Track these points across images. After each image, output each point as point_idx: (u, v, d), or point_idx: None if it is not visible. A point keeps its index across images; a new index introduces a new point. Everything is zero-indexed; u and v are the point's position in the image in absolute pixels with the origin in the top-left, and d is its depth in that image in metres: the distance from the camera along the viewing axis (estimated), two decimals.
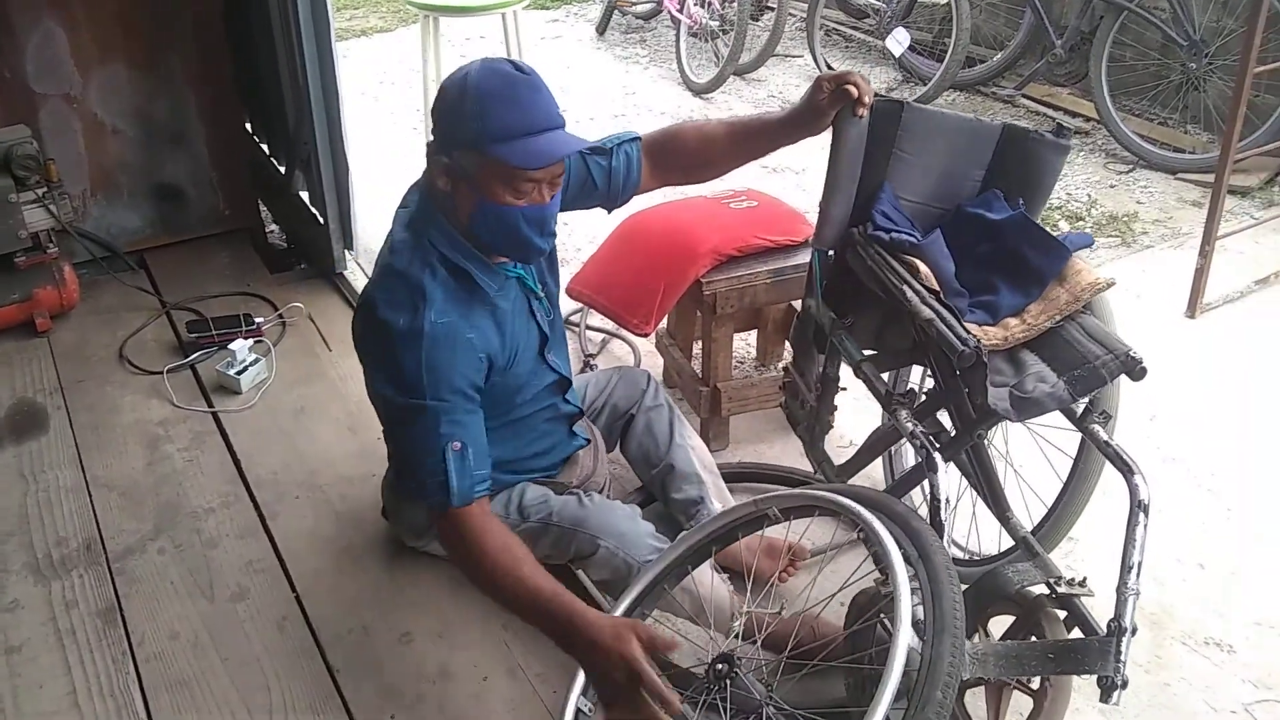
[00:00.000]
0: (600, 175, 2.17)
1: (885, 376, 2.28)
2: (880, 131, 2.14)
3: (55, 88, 3.38)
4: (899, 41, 5.45)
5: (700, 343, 2.94)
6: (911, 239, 2.11)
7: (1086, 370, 1.90)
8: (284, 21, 3.17)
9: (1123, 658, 1.69)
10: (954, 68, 5.15)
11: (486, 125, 1.81)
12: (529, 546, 2.18)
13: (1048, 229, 2.16)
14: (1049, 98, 5.24)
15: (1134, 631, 1.72)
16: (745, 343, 3.34)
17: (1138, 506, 1.83)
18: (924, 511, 1.99)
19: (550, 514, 2.19)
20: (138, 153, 3.59)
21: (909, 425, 2.02)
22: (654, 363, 3.24)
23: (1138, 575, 1.76)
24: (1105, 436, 1.96)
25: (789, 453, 2.91)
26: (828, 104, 2.07)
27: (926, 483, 1.94)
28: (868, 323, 2.29)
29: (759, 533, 2.43)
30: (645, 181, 2.22)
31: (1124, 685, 1.67)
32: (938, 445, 1.95)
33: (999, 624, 1.96)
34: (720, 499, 2.57)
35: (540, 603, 1.84)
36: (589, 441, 2.39)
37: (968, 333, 1.90)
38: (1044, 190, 2.23)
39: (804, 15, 5.83)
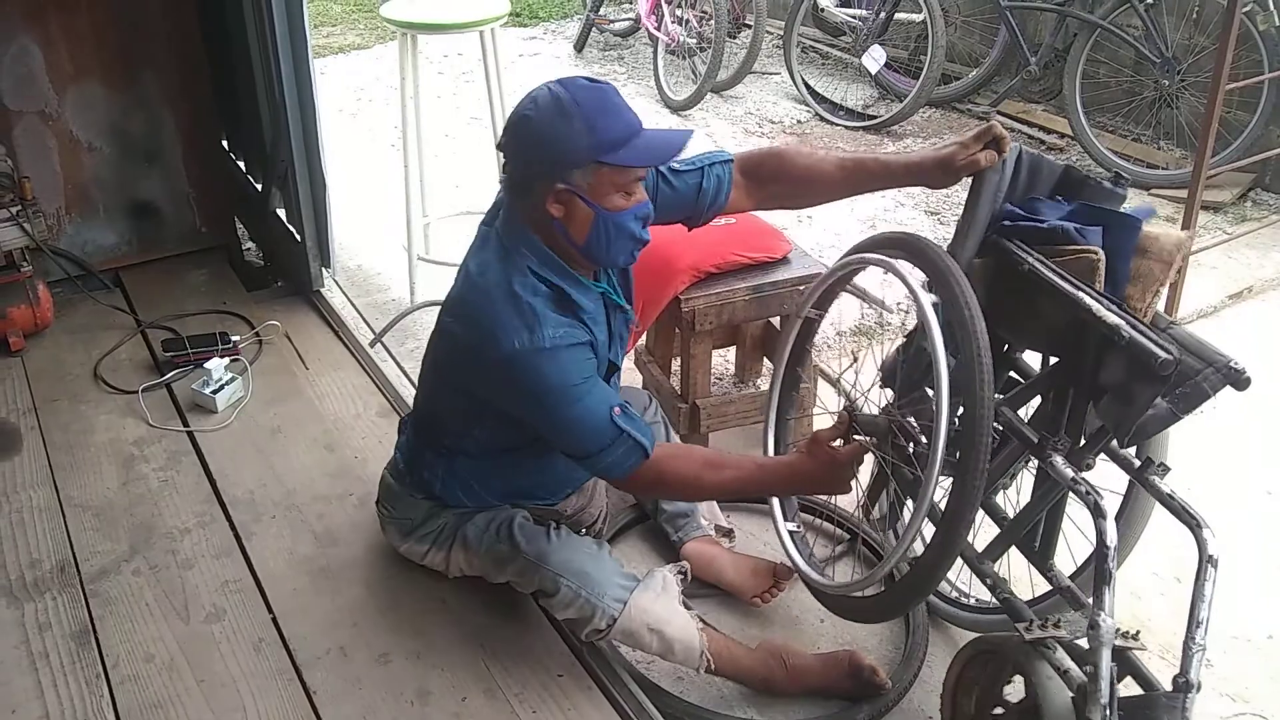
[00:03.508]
0: (689, 193, 2.17)
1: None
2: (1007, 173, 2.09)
3: (30, 105, 3.36)
4: (875, 59, 5.48)
5: (679, 360, 2.95)
6: (1073, 226, 1.99)
7: (1190, 387, 1.82)
8: (261, 38, 3.16)
9: (1189, 714, 1.68)
10: (929, 85, 5.19)
11: (600, 137, 1.87)
12: (497, 571, 2.21)
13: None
14: (1024, 114, 5.29)
15: (1199, 689, 1.70)
16: (724, 359, 3.35)
17: (1208, 561, 1.80)
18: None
19: (520, 542, 2.18)
20: (113, 170, 3.57)
21: (1068, 473, 1.93)
22: (633, 379, 3.23)
23: (1205, 631, 1.74)
24: (1168, 489, 1.93)
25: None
26: (968, 162, 2.03)
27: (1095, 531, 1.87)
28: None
29: (746, 554, 2.48)
30: (738, 202, 2.22)
31: None
32: (1099, 493, 1.88)
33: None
34: (709, 513, 2.60)
35: (754, 483, 2.16)
36: None
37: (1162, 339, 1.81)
38: None
39: (781, 33, 5.86)
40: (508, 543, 2.18)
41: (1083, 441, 1.99)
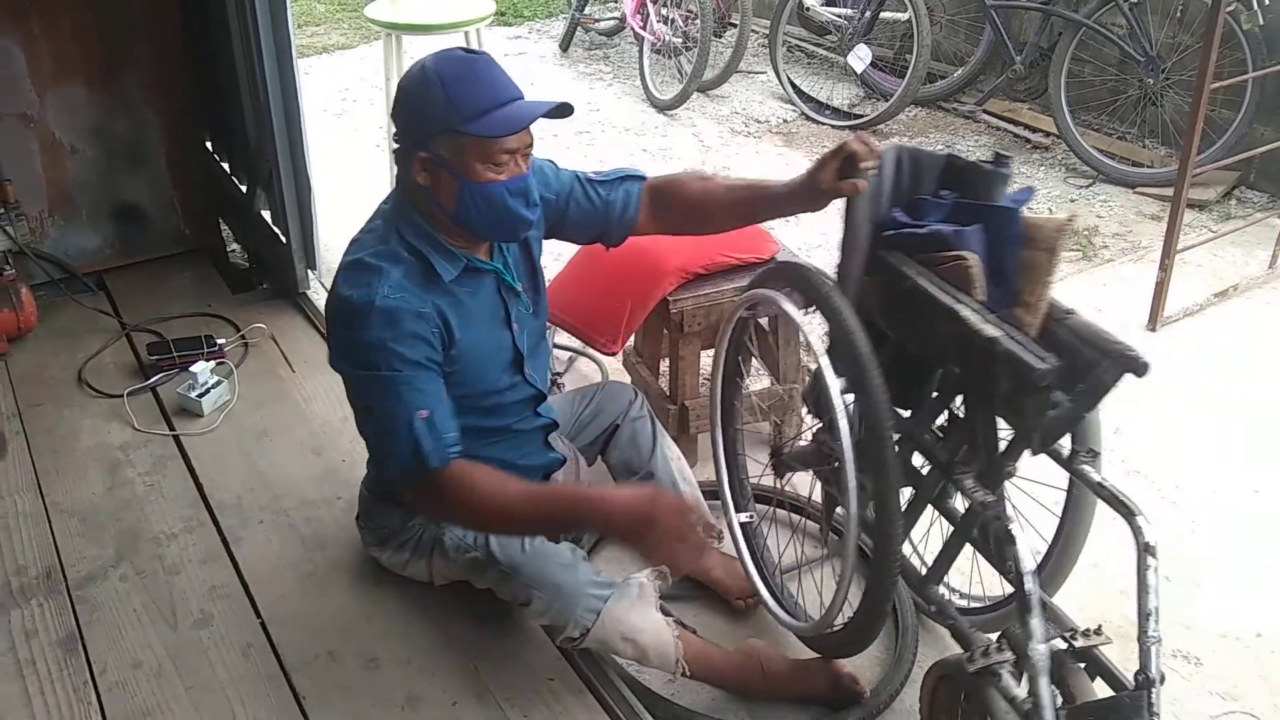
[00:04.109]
0: (600, 206, 2.16)
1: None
2: (885, 181, 2.01)
3: (12, 107, 3.34)
4: (861, 58, 5.48)
5: (668, 361, 2.94)
6: (950, 229, 1.91)
7: (1090, 382, 1.75)
8: (245, 38, 3.15)
9: (1156, 710, 1.64)
10: (915, 84, 5.19)
11: (457, 106, 1.85)
12: (475, 578, 2.20)
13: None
14: (1009, 113, 5.30)
15: (1162, 680, 1.66)
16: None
17: (1145, 550, 1.73)
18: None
19: (494, 551, 2.15)
20: (96, 173, 3.54)
21: (978, 495, 1.89)
22: (623, 379, 3.22)
23: (1157, 621, 1.69)
24: (1098, 477, 1.87)
25: (754, 471, 2.91)
26: (830, 187, 1.95)
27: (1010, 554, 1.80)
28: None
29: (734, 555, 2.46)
30: (644, 224, 2.20)
31: None
32: (1009, 518, 1.83)
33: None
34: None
35: (543, 506, 1.98)
36: (564, 461, 2.38)
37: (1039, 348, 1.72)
38: None
39: (767, 32, 5.86)
40: (483, 551, 2.16)
41: (999, 452, 1.90)
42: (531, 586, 2.10)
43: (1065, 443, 1.92)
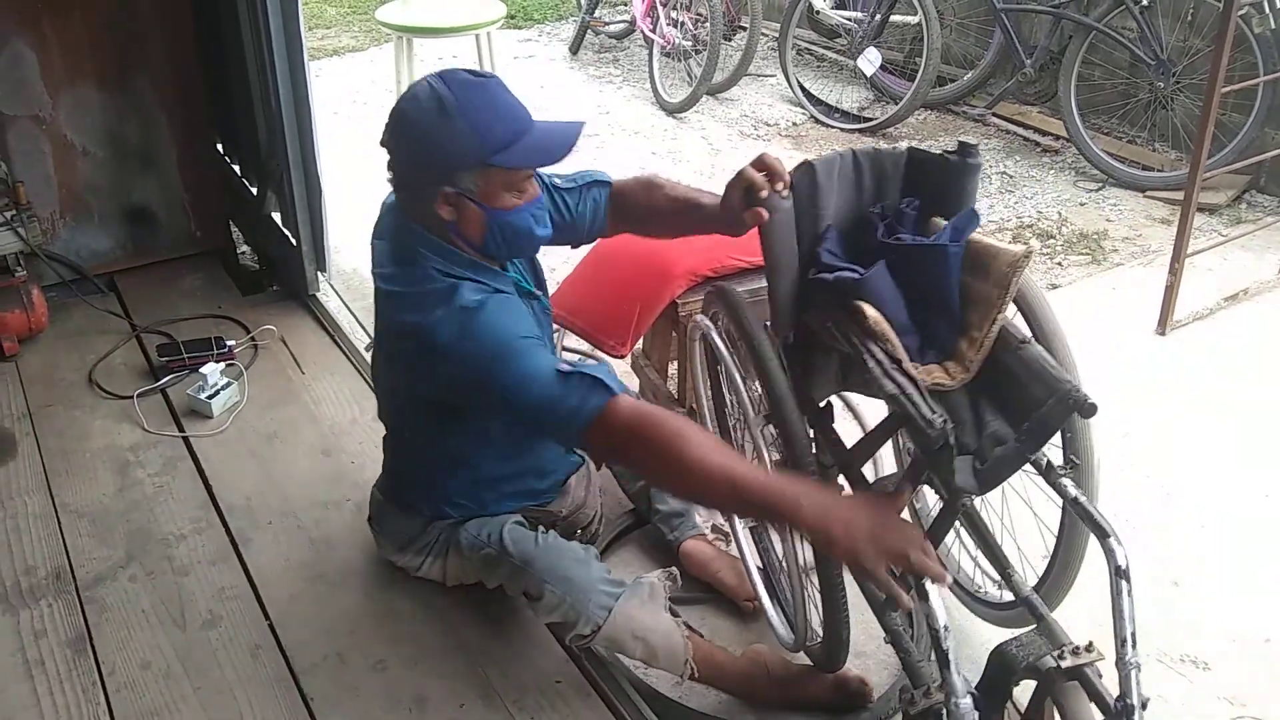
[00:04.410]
0: (569, 217, 2.16)
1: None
2: (804, 199, 1.90)
3: (24, 109, 3.35)
4: (870, 61, 5.48)
5: (675, 364, 2.94)
6: (854, 274, 1.83)
7: (1035, 422, 1.67)
8: (256, 41, 3.16)
9: None
10: (925, 87, 5.19)
11: (485, 139, 1.82)
12: (488, 575, 2.19)
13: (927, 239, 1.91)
14: (1019, 116, 5.29)
15: (1145, 705, 1.61)
16: None
17: (1116, 574, 1.65)
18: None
19: (508, 545, 2.16)
20: (107, 175, 3.56)
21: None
22: (629, 384, 3.22)
23: (1134, 646, 1.62)
24: (1074, 492, 1.77)
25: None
26: (740, 208, 1.87)
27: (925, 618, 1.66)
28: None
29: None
30: (612, 228, 2.21)
31: None
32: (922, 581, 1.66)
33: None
34: (705, 511, 2.60)
35: (759, 482, 1.69)
36: (583, 461, 2.38)
37: (932, 410, 1.63)
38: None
39: (776, 35, 5.86)
40: (497, 546, 2.16)
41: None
42: (545, 580, 2.09)
43: (1048, 451, 1.83)
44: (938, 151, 1.95)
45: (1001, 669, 1.74)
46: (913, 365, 1.77)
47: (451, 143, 1.82)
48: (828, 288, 1.85)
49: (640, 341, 3.03)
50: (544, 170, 2.04)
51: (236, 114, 3.53)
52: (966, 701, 1.61)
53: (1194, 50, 4.56)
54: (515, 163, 1.85)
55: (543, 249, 2.16)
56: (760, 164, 1.86)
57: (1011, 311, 1.88)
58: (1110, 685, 1.64)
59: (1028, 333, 1.87)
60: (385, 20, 3.55)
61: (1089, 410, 1.64)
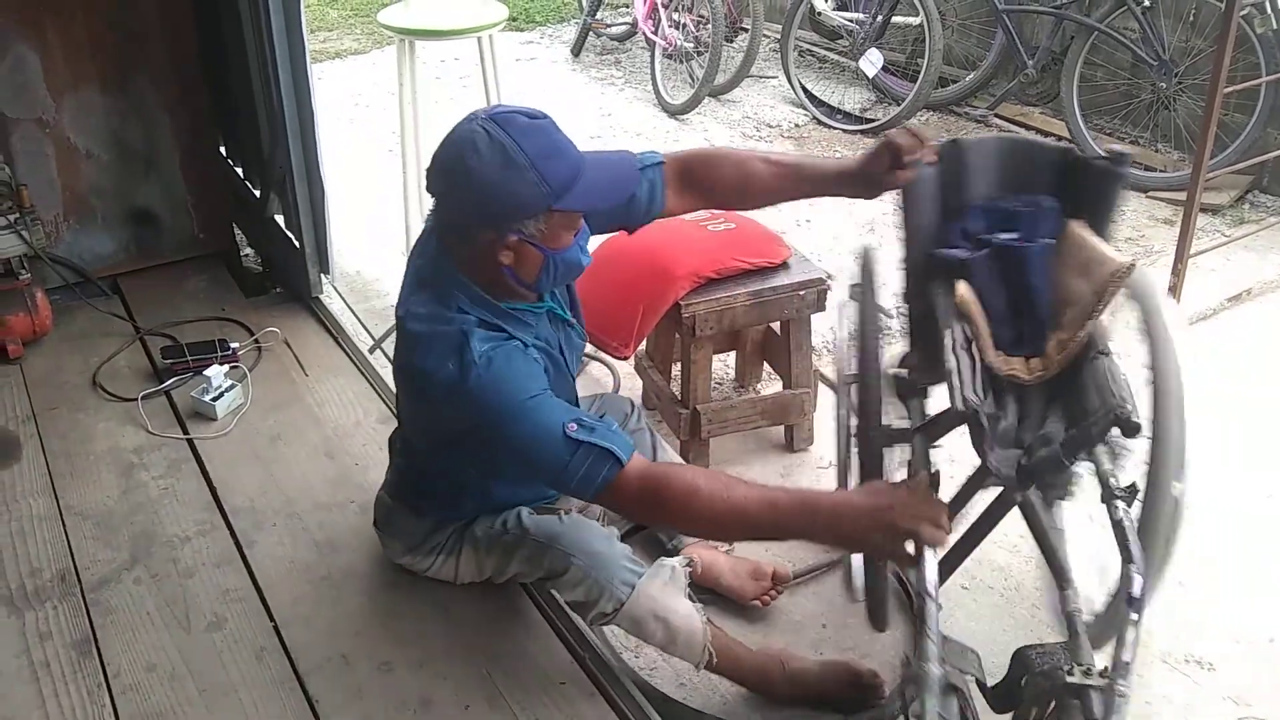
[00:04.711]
0: (622, 203, 2.13)
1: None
2: (949, 173, 2.02)
3: (27, 112, 3.35)
4: (872, 63, 5.48)
5: (679, 365, 2.95)
6: (962, 254, 1.96)
7: (1080, 430, 1.75)
8: (258, 44, 3.16)
9: None
10: (927, 88, 5.19)
11: (553, 185, 1.80)
12: (505, 562, 2.19)
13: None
14: (1021, 117, 5.29)
15: None
16: (724, 364, 3.35)
17: (1128, 601, 1.66)
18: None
19: (527, 528, 2.16)
20: (111, 177, 3.56)
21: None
22: (633, 385, 3.23)
23: (1126, 676, 1.60)
24: (1120, 515, 1.78)
25: (768, 475, 2.92)
26: (884, 170, 1.97)
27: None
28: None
29: (743, 557, 2.46)
30: (672, 205, 2.16)
31: None
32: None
33: None
34: None
35: (774, 507, 1.78)
36: None
37: (975, 392, 1.75)
38: (1100, 219, 2.06)
39: (778, 37, 5.86)
40: (517, 529, 2.16)
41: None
42: (570, 554, 2.08)
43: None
44: (1088, 156, 2.02)
45: (1017, 668, 1.75)
46: (997, 353, 1.89)
47: (521, 192, 1.79)
48: (941, 262, 1.98)
49: (644, 343, 3.04)
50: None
51: (239, 116, 3.54)
52: (933, 667, 1.62)
53: (1196, 51, 4.56)
54: (580, 206, 1.85)
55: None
56: (908, 131, 1.92)
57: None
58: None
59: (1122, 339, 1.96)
60: (387, 23, 3.55)
61: (1132, 429, 1.72)
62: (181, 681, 2.16)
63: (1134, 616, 1.64)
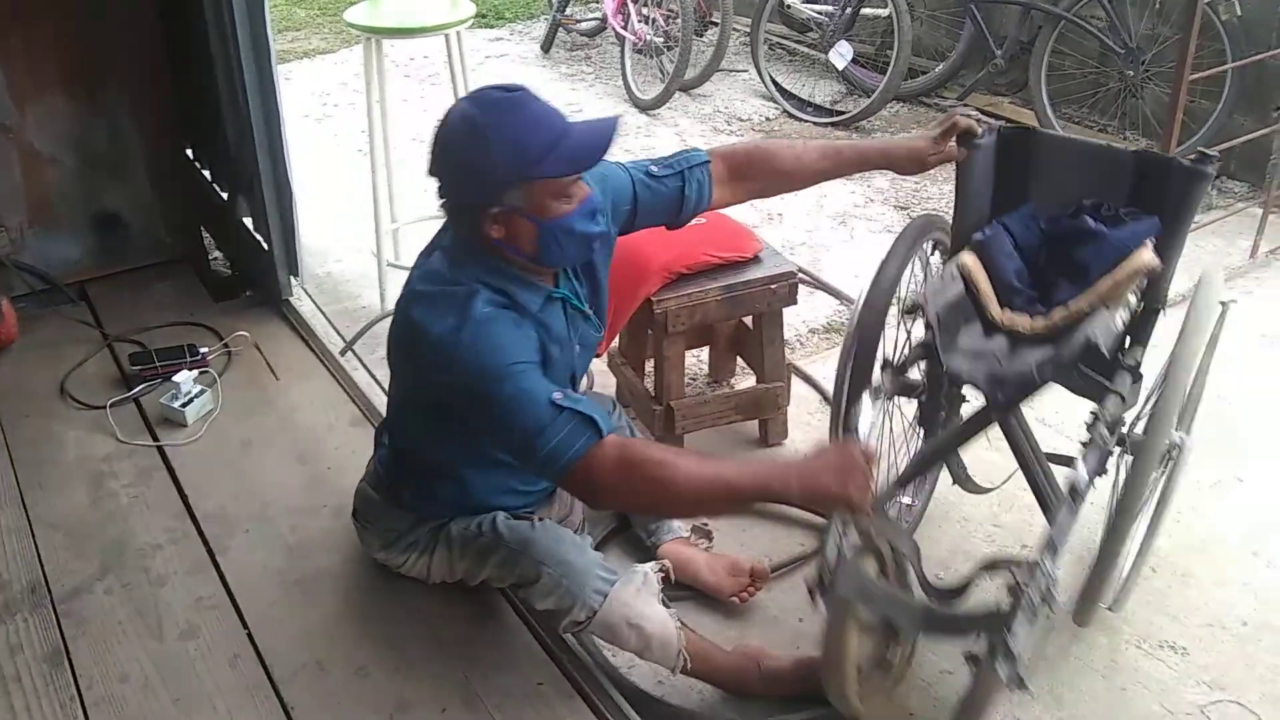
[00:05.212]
0: (672, 197, 2.18)
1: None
2: (1014, 157, 2.21)
3: None
4: (842, 55, 5.50)
5: (652, 361, 2.94)
6: (980, 236, 2.21)
7: (1055, 352, 1.98)
8: (224, 45, 3.13)
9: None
10: (896, 80, 5.20)
11: (523, 154, 1.82)
12: (478, 566, 2.18)
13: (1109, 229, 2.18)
14: (991, 107, 5.30)
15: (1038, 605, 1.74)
16: (697, 360, 3.34)
17: (1071, 492, 1.89)
18: None
19: (501, 533, 2.15)
20: (76, 183, 3.52)
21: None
22: (606, 382, 3.22)
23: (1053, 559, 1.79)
24: (1094, 435, 2.01)
25: None
26: (937, 160, 2.24)
27: None
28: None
29: (721, 554, 2.46)
30: (720, 200, 2.25)
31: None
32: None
33: None
34: None
35: (733, 474, 1.84)
36: None
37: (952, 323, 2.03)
38: (1181, 220, 2.16)
39: (748, 30, 5.86)
40: (491, 534, 2.16)
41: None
42: (542, 562, 2.08)
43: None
44: (1173, 156, 2.18)
45: (982, 564, 1.96)
46: (1002, 309, 2.15)
47: (488, 164, 1.83)
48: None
49: (616, 340, 3.03)
50: (642, 158, 2.15)
51: (206, 119, 3.51)
52: (831, 548, 1.87)
53: (1162, 38, 4.59)
54: (552, 172, 1.85)
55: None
56: (970, 115, 2.22)
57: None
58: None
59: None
60: (353, 22, 3.52)
61: (1098, 360, 1.98)
62: (155, 691, 2.14)
63: (1071, 506, 1.84)
